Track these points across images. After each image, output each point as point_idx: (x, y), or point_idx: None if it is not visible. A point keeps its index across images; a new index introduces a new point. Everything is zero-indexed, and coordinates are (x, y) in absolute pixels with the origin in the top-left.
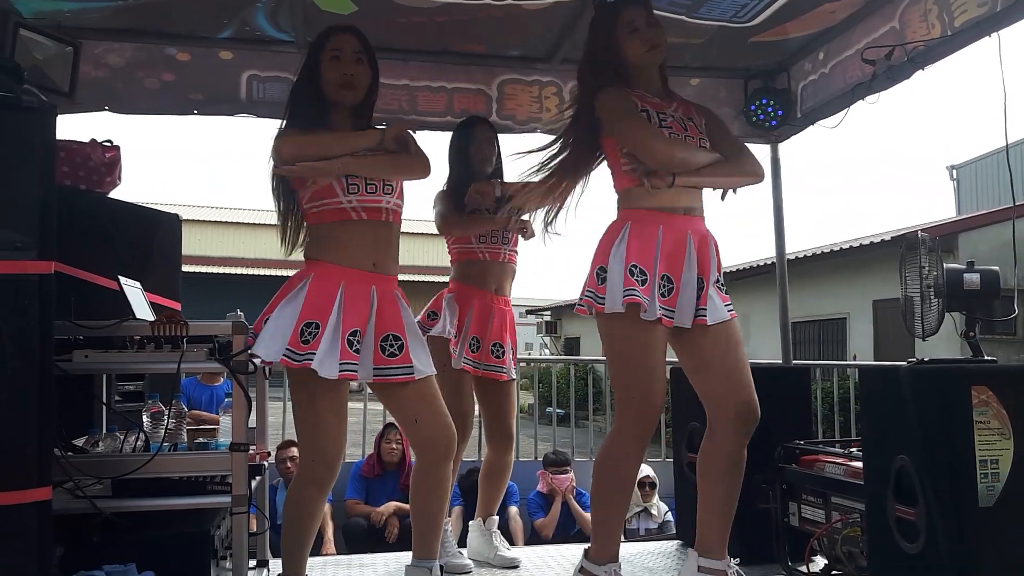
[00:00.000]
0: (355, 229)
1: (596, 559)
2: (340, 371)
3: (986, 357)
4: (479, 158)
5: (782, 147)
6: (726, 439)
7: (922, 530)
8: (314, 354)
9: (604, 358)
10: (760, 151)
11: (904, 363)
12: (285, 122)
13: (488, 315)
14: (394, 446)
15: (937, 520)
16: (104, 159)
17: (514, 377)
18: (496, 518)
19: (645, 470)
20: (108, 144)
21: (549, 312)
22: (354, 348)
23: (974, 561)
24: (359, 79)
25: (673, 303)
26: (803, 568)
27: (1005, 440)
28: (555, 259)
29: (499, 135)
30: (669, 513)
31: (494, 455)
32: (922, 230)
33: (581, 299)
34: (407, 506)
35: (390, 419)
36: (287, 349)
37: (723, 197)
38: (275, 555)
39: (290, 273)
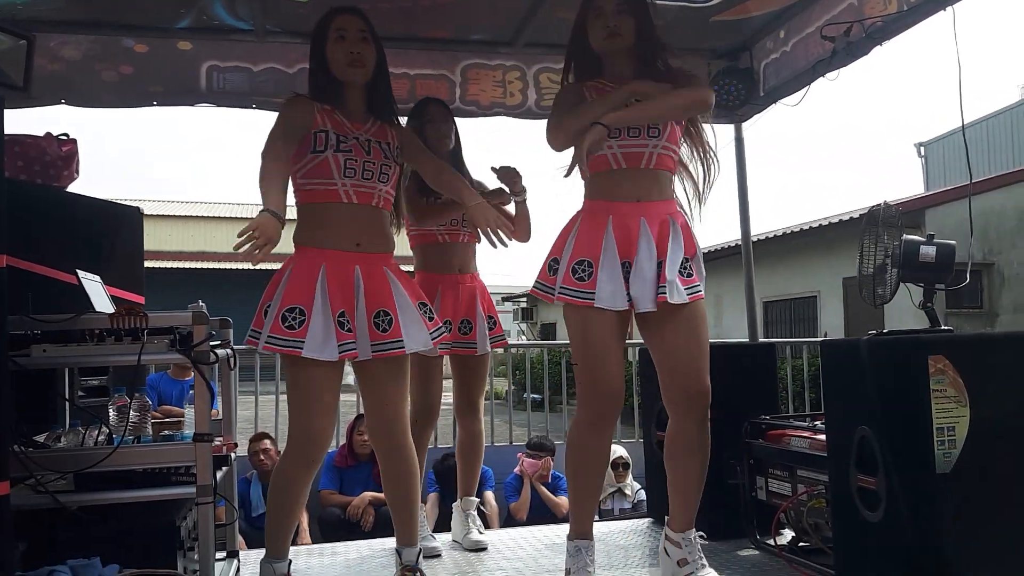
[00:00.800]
0: (343, 211)
1: (569, 535)
2: (340, 351)
3: (943, 327)
4: (436, 136)
5: (747, 127)
6: (678, 420)
7: (883, 498)
8: (302, 341)
9: None
10: (724, 131)
11: (863, 336)
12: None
13: (454, 295)
14: (366, 437)
15: (897, 488)
16: (60, 152)
17: (487, 351)
18: (474, 499)
19: (618, 451)
20: (64, 137)
21: (525, 299)
22: (346, 328)
23: (933, 527)
24: (366, 57)
25: (627, 288)
26: (771, 541)
27: (961, 407)
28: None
29: (463, 119)
30: (642, 492)
31: (461, 429)
32: (888, 203)
33: (532, 287)
34: (382, 495)
35: (362, 410)
36: (269, 336)
37: (566, 174)
38: (248, 546)
39: (265, 267)
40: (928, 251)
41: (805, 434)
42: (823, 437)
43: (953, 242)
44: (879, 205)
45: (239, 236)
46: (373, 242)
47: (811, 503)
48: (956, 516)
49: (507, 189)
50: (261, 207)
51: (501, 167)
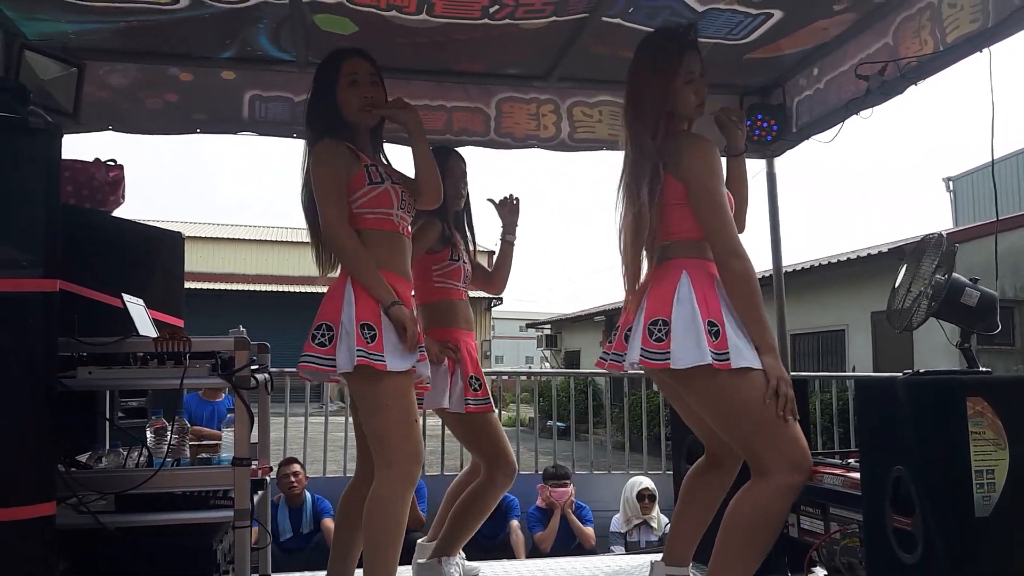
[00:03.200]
0: (397, 242)
1: None
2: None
3: (981, 368)
4: (454, 193)
5: (778, 160)
6: (731, 476)
7: (919, 540)
8: (382, 355)
9: (605, 371)
10: (756, 166)
11: (900, 374)
12: (311, 141)
13: (470, 352)
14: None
15: (934, 530)
16: (108, 178)
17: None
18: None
19: (644, 482)
20: (112, 163)
21: (549, 326)
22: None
23: (971, 571)
24: (378, 101)
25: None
26: None
27: (1000, 450)
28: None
29: (497, 151)
30: (669, 526)
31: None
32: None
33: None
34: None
35: None
36: (358, 350)
37: None
38: (276, 570)
39: (292, 289)
40: (972, 294)
41: (838, 471)
42: (856, 475)
43: (995, 293)
44: (936, 235)
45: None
46: (408, 273)
47: (844, 542)
48: (995, 561)
49: (501, 222)
50: (391, 305)
51: (502, 200)
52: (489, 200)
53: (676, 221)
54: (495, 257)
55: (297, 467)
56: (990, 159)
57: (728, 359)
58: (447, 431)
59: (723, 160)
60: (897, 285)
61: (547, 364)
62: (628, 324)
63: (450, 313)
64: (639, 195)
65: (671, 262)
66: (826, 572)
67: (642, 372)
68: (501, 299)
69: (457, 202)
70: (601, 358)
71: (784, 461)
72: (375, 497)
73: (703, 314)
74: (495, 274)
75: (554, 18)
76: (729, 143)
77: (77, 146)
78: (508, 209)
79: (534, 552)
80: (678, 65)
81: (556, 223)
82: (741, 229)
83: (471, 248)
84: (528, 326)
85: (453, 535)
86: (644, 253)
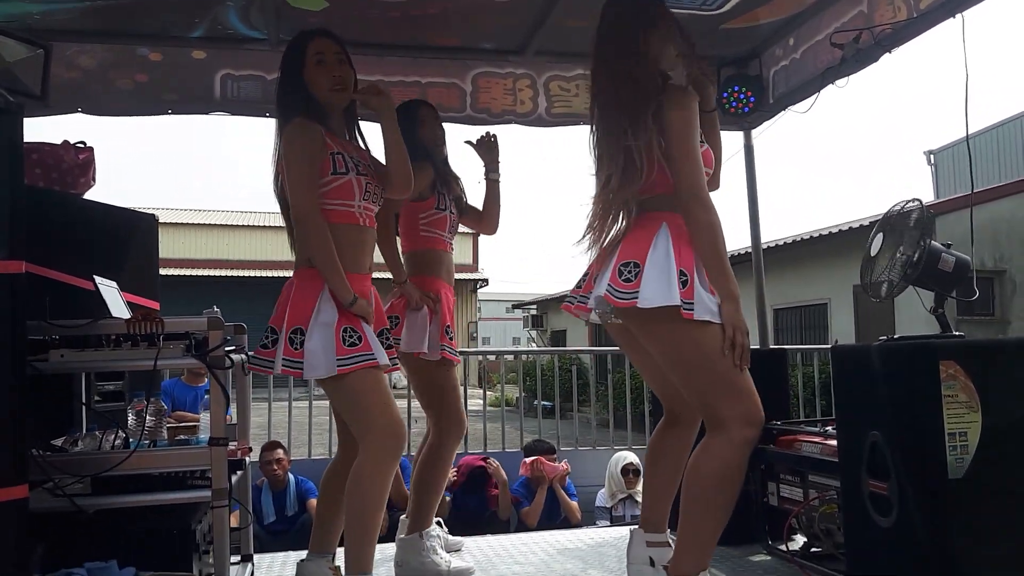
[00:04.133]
0: (356, 234)
1: None
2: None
3: (955, 332)
4: (433, 140)
5: (756, 134)
6: (691, 432)
7: (895, 504)
8: (369, 354)
9: (589, 349)
10: (734, 138)
11: (875, 341)
12: (283, 121)
13: (447, 302)
14: None
15: (909, 493)
16: (77, 160)
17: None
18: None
19: (628, 457)
20: (81, 145)
21: (535, 306)
22: (387, 345)
23: (946, 532)
24: (346, 79)
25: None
26: (783, 546)
27: (973, 413)
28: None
29: (474, 127)
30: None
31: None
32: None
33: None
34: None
35: None
36: (337, 359)
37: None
38: (260, 550)
39: (273, 274)
40: (948, 259)
41: (816, 439)
42: (834, 443)
43: (968, 257)
44: (915, 202)
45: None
46: (369, 265)
47: (823, 508)
48: (969, 521)
49: (482, 162)
50: (347, 303)
51: (479, 139)
52: (467, 142)
53: (655, 175)
54: (483, 197)
55: (280, 452)
56: (972, 131)
57: (692, 309)
58: None
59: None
60: (875, 254)
61: (533, 344)
62: (596, 272)
63: (434, 263)
64: (627, 141)
65: (651, 214)
66: (805, 539)
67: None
68: (487, 280)
69: (440, 151)
70: (568, 301)
71: (739, 415)
72: (357, 470)
73: (676, 262)
74: (486, 212)
75: None
76: (703, 99)
77: (47, 130)
78: (487, 147)
79: (520, 527)
80: (669, 17)
81: (538, 202)
82: (715, 187)
83: (462, 189)
84: (514, 307)
85: (421, 504)
86: (613, 210)
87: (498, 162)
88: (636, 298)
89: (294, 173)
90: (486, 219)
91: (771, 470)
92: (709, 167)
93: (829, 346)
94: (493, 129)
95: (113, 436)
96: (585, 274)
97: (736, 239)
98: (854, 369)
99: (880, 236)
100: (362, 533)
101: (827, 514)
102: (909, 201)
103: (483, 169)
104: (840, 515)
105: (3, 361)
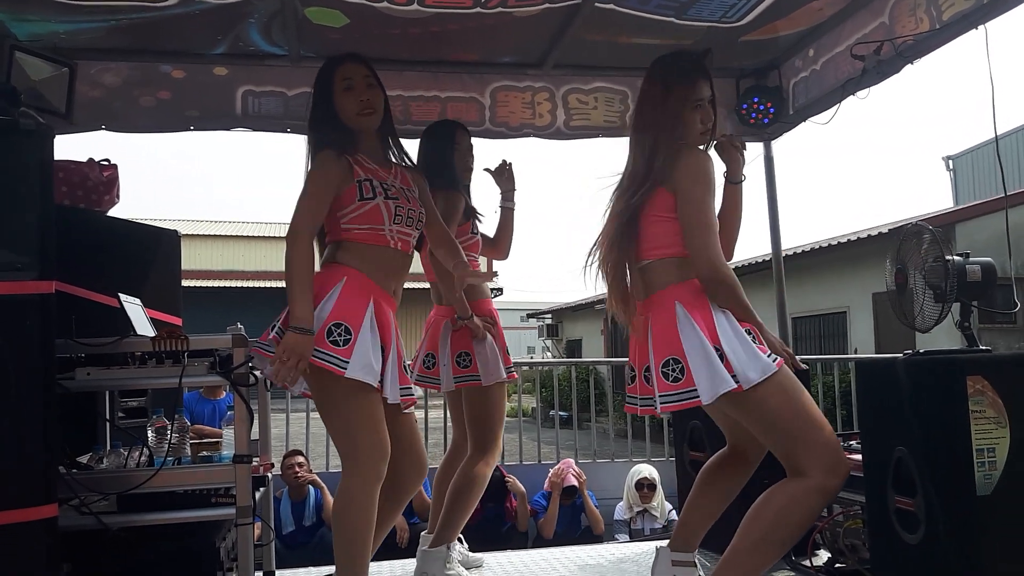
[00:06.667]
0: (387, 256)
1: None
2: (402, 395)
3: (981, 347)
4: (463, 167)
5: (775, 142)
6: (753, 469)
7: (922, 520)
8: (347, 361)
9: (607, 360)
10: (753, 149)
11: (900, 355)
12: (313, 149)
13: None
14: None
15: (937, 510)
16: (102, 178)
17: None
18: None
19: (643, 471)
20: (105, 163)
21: (550, 315)
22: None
23: (974, 549)
24: (375, 103)
25: None
26: (807, 562)
27: (1001, 428)
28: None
29: (492, 140)
30: (674, 512)
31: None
32: (920, 221)
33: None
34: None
35: None
36: (316, 350)
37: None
38: (280, 566)
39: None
40: (974, 269)
41: None
42: (858, 457)
43: (990, 259)
44: (915, 223)
45: (272, 364)
46: (398, 291)
47: (847, 523)
48: (998, 538)
49: (498, 188)
50: (294, 327)
51: (497, 167)
52: (485, 170)
53: (660, 236)
54: (497, 224)
55: (301, 458)
56: (991, 136)
57: (739, 382)
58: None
59: (720, 182)
60: (902, 289)
61: (549, 354)
62: (636, 362)
63: (478, 286)
64: (628, 204)
65: (660, 295)
66: (829, 554)
67: None
68: (501, 290)
69: (466, 176)
70: (629, 403)
71: (821, 465)
72: (343, 494)
73: (709, 340)
74: (498, 240)
75: (547, 5)
76: (729, 169)
77: (70, 146)
78: (505, 176)
79: (537, 540)
80: (688, 89)
81: (554, 212)
82: (729, 257)
83: (477, 218)
84: (529, 316)
85: (450, 522)
86: (626, 268)
87: (514, 191)
88: (696, 396)
89: (303, 197)
90: (499, 246)
91: None
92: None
93: (849, 356)
94: (511, 142)
95: (139, 454)
96: (631, 368)
97: (755, 248)
98: (879, 383)
99: (898, 268)
100: (354, 556)
101: (852, 529)
102: (913, 226)
103: (499, 197)
104: (865, 530)
105: (34, 381)
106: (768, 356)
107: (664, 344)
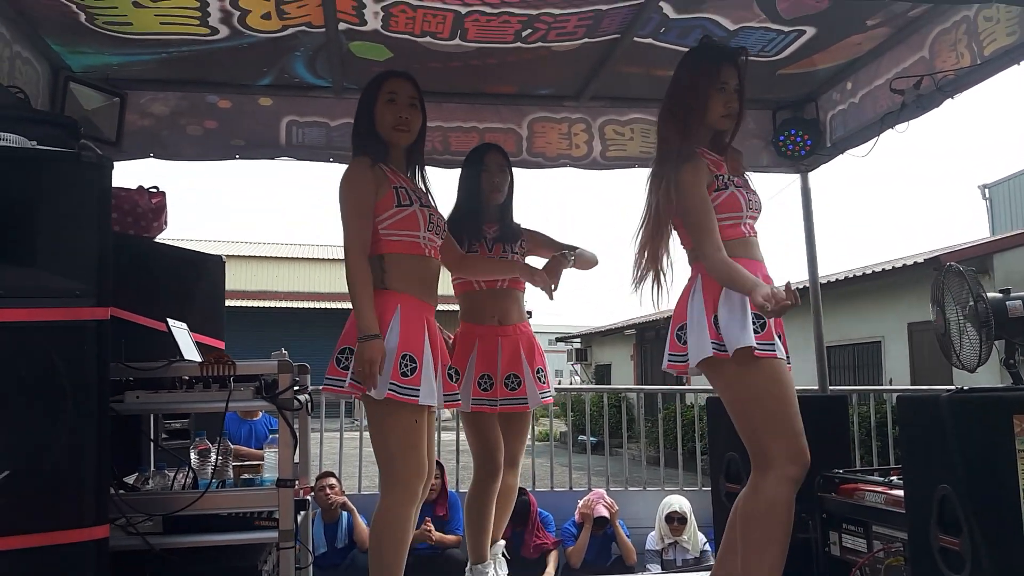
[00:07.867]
0: (423, 264)
1: None
2: (447, 400)
3: None
4: (489, 187)
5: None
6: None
7: (967, 560)
8: (418, 389)
9: (638, 388)
10: (790, 180)
11: (943, 392)
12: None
13: (494, 348)
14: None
15: (982, 550)
16: (151, 205)
17: (541, 401)
18: (501, 542)
19: (674, 504)
20: (154, 191)
21: (579, 339)
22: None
23: None
24: (412, 123)
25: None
26: None
27: None
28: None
29: (529, 170)
30: (707, 544)
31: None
32: (956, 251)
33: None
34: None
35: None
36: (392, 383)
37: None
38: None
39: (323, 305)
40: (1015, 305)
41: (879, 489)
42: (899, 493)
43: None
44: (949, 263)
45: (354, 375)
46: (435, 297)
47: (888, 561)
48: None
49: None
50: (363, 336)
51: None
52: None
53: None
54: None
55: (333, 479)
56: None
57: (724, 348)
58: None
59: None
60: (945, 331)
61: (577, 378)
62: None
63: (464, 308)
64: (657, 193)
65: (695, 265)
66: None
67: (678, 387)
68: (531, 313)
69: (494, 197)
70: (668, 359)
71: (785, 452)
72: (381, 511)
73: (708, 311)
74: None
75: (586, 40)
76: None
77: (116, 173)
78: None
79: (566, 570)
80: (713, 72)
81: (586, 237)
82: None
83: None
84: (558, 340)
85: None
86: (661, 253)
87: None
88: (686, 360)
89: (345, 212)
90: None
91: (833, 519)
92: (739, 210)
93: (886, 388)
94: (547, 172)
95: (184, 476)
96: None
97: (792, 276)
98: (922, 419)
99: (938, 309)
100: (389, 565)
101: (893, 567)
102: (949, 266)
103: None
104: (907, 568)
105: (89, 404)
106: (768, 344)
107: (679, 309)
